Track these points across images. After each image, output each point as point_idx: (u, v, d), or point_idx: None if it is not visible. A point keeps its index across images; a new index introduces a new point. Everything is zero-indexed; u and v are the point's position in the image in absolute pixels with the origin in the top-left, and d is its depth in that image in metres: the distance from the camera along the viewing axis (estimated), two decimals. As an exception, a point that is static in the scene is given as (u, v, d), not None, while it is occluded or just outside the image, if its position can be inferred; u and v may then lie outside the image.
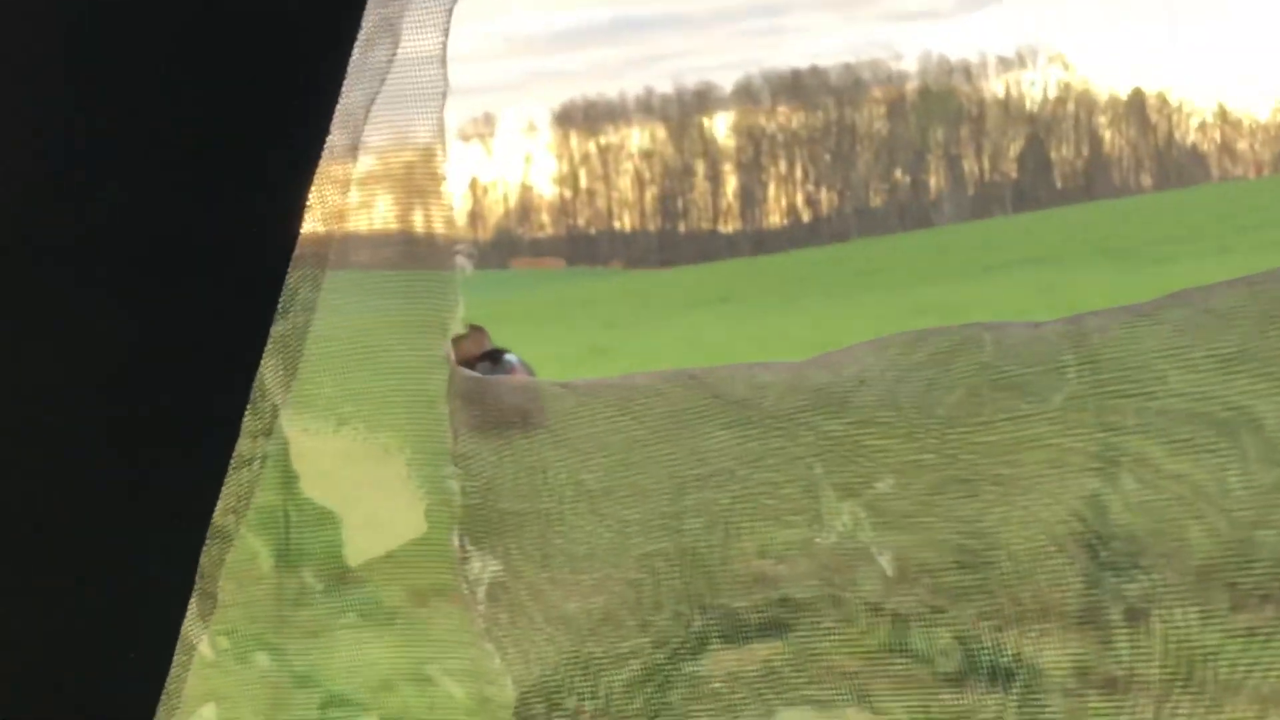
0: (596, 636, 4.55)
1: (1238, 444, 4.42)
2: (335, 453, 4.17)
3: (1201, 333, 4.63)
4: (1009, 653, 4.50)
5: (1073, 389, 4.69)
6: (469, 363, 4.93)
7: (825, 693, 4.44)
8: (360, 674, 4.79)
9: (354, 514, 4.55)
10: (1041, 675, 4.46)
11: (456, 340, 3.69)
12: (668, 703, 4.48)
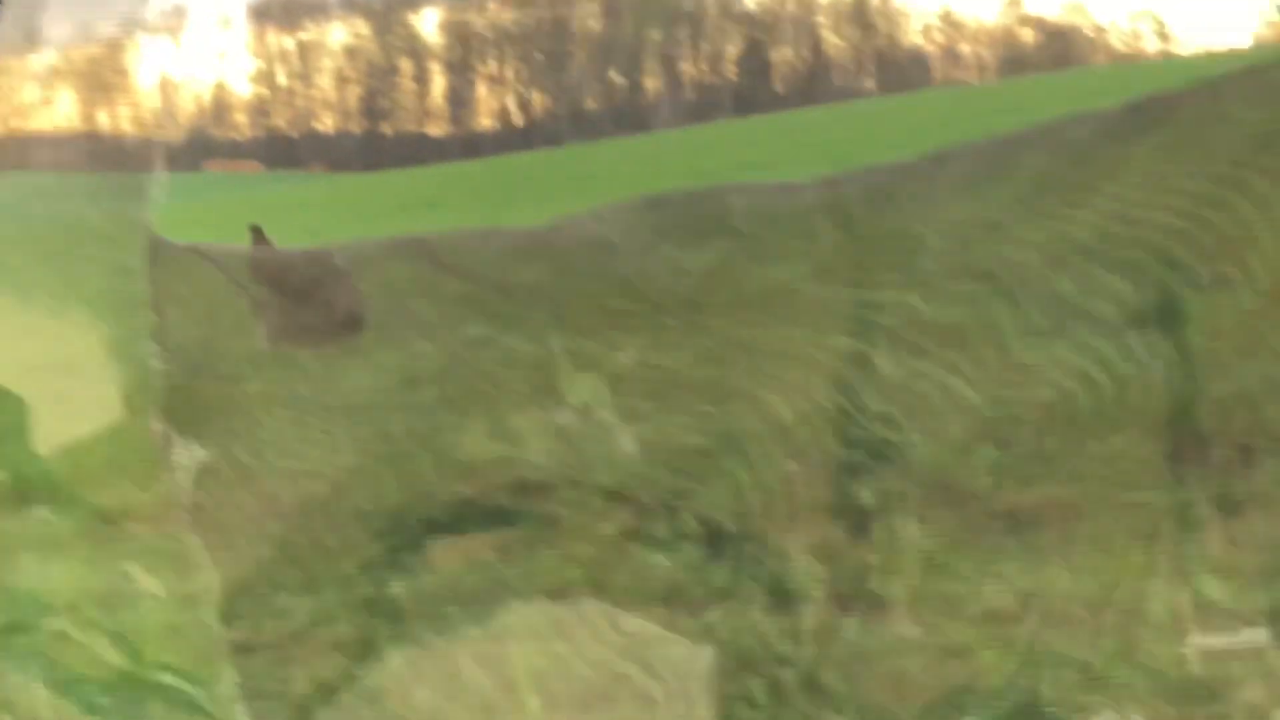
0: (312, 526, 4.59)
1: (997, 315, 4.62)
2: (17, 330, 4.08)
3: (963, 194, 4.80)
4: (757, 536, 4.65)
5: (828, 251, 4.86)
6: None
7: (560, 582, 4.54)
8: (52, 573, 4.75)
9: (41, 397, 4.47)
10: (789, 559, 4.62)
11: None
12: (390, 595, 4.54)
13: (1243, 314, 3.55)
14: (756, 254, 3.68)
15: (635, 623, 3.74)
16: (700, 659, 3.78)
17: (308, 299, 3.87)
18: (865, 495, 3.71)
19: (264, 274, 3.94)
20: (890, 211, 4.30)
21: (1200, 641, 3.46)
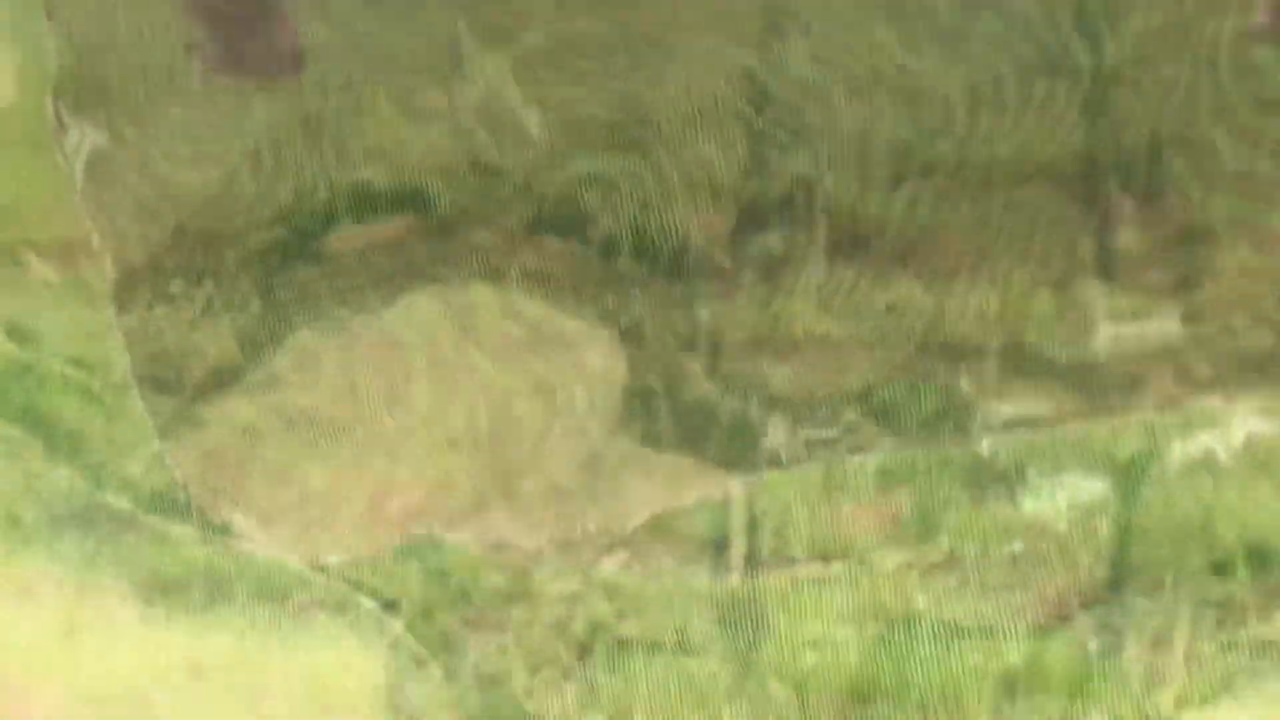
0: (209, 211, 4.45)
1: (908, 20, 4.42)
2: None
3: None
4: (664, 225, 4.52)
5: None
6: None
7: (461, 271, 4.41)
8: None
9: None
10: (698, 249, 4.49)
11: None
12: (287, 282, 4.42)
13: (1161, 28, 3.45)
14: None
15: (535, 312, 3.66)
16: (602, 349, 3.72)
17: (246, 35, 3.69)
18: (768, 189, 3.63)
19: (199, 7, 3.74)
20: None
21: (1110, 332, 3.42)
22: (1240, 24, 3.68)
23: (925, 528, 3.93)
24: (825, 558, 3.86)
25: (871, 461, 3.80)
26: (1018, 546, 3.82)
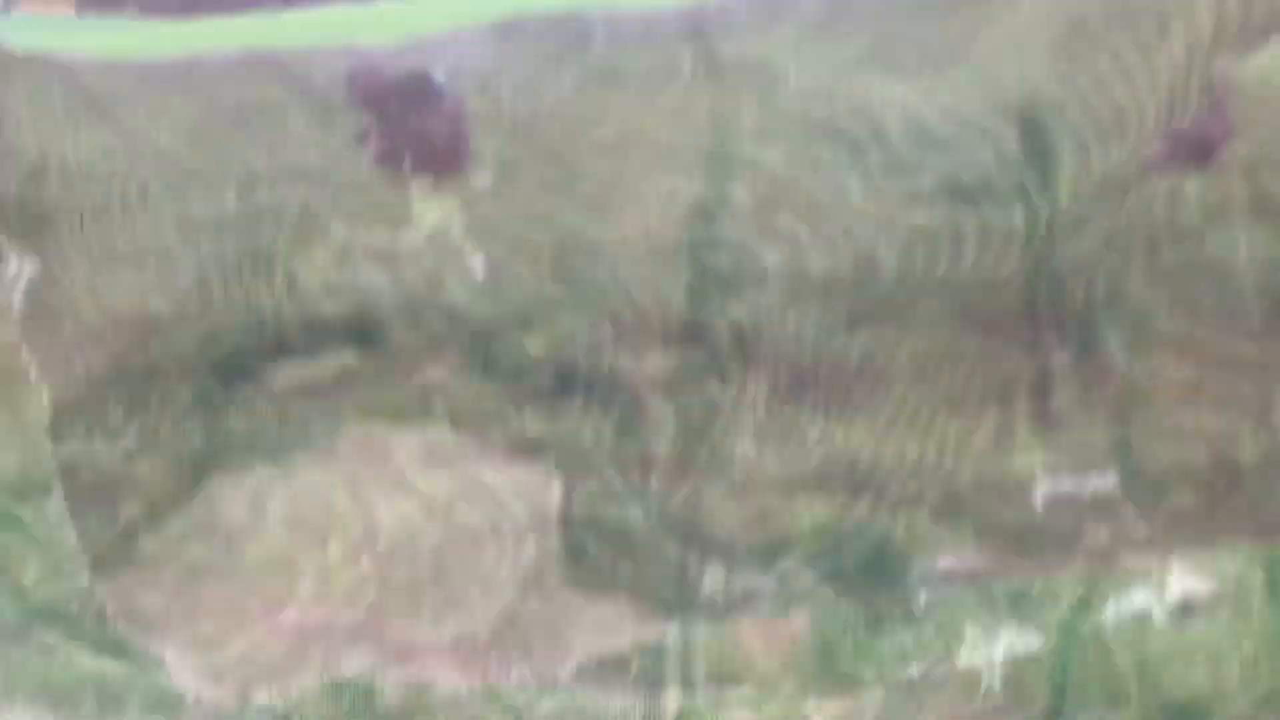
0: (150, 345, 4.43)
1: (860, 152, 4.55)
2: None
3: (831, 29, 4.72)
4: (607, 366, 4.58)
5: (688, 84, 4.78)
6: (381, 90, 4.55)
7: (402, 409, 4.44)
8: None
9: None
10: (640, 390, 4.56)
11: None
12: (224, 418, 4.37)
13: (1095, 178, 3.51)
14: (616, 82, 3.57)
15: (477, 449, 3.65)
16: (543, 486, 3.71)
17: (407, 122, 3.71)
18: (717, 332, 3.64)
19: (362, 92, 3.75)
20: (751, 43, 4.20)
21: (1047, 487, 3.45)
22: (1142, 158, 3.76)
23: (824, 654, 3.92)
24: (734, 682, 3.85)
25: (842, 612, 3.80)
26: (914, 671, 3.82)
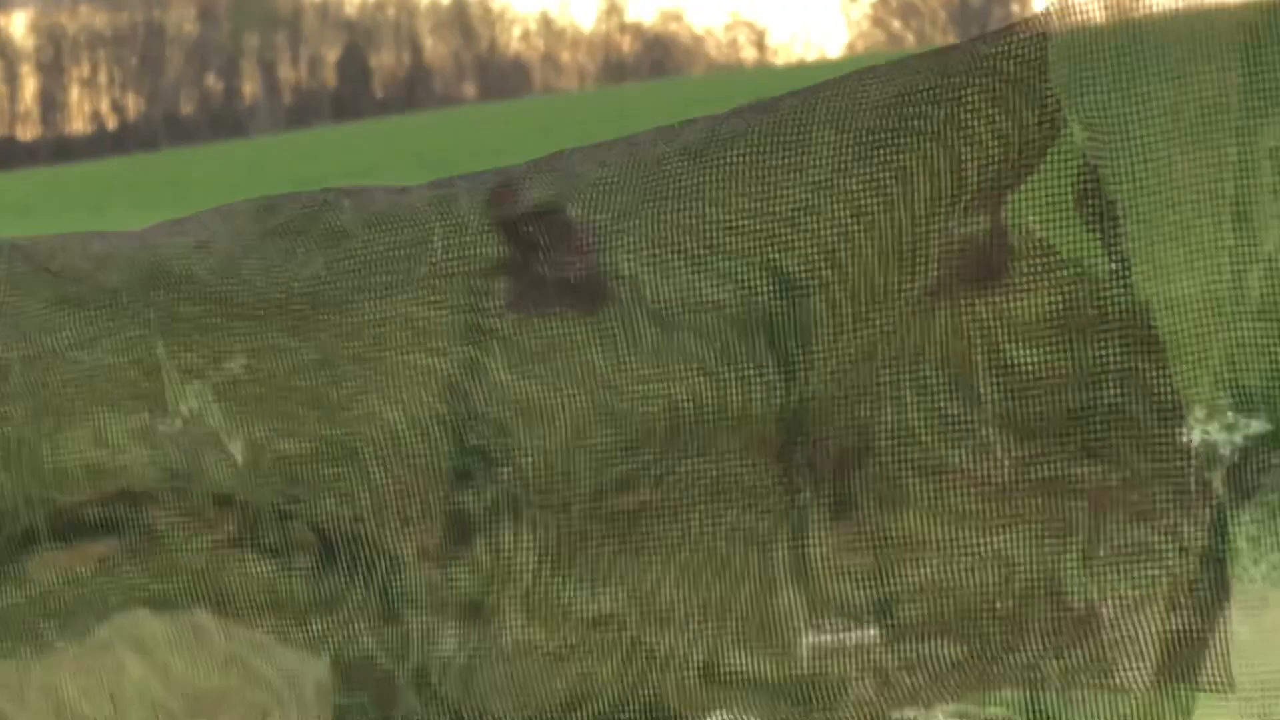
0: None
1: (606, 317, 4.55)
2: None
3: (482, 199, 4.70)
4: (368, 544, 4.53)
5: (439, 260, 4.77)
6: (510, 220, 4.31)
7: (169, 591, 4.35)
8: None
9: None
10: (401, 567, 4.51)
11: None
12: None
13: (838, 319, 3.59)
14: (367, 260, 3.61)
15: (244, 633, 3.62)
16: (313, 669, 3.69)
17: (545, 259, 3.62)
18: (475, 502, 3.66)
19: (504, 222, 3.62)
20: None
21: (812, 641, 3.50)
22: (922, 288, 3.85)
23: None
24: None
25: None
26: None
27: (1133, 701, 3.61)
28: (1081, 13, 3.64)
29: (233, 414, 3.91)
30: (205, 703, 3.77)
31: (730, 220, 3.77)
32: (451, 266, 3.99)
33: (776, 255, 3.86)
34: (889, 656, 3.75)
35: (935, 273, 3.68)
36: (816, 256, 3.71)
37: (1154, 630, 3.62)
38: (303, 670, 3.86)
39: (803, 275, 3.78)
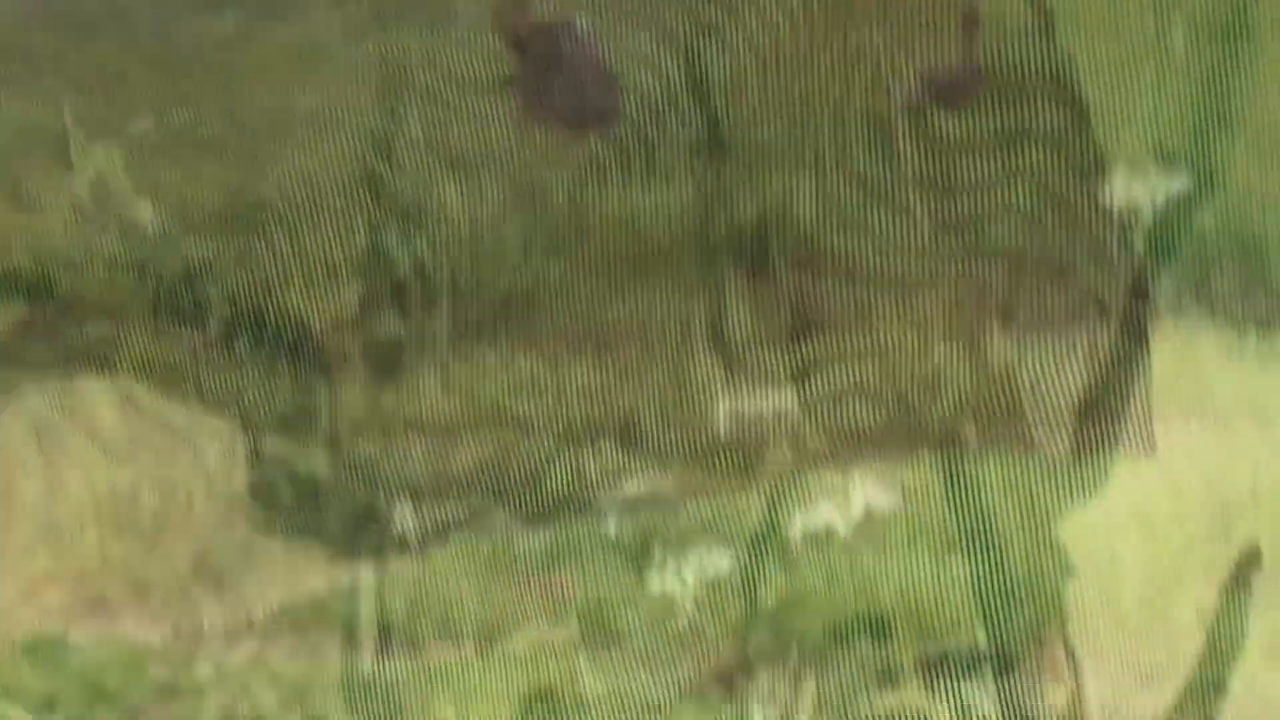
0: None
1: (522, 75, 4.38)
2: None
3: None
4: (289, 309, 4.43)
5: (352, 11, 4.62)
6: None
7: (74, 365, 4.26)
8: None
9: None
10: (316, 335, 4.41)
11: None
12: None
13: (765, 77, 3.52)
14: (279, 13, 3.50)
15: (155, 400, 3.57)
16: (234, 436, 3.64)
17: (556, 72, 3.49)
18: (398, 266, 3.60)
19: (509, 31, 3.48)
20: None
21: (729, 407, 3.46)
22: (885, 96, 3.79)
23: (589, 606, 3.91)
24: (489, 638, 3.81)
25: (536, 542, 3.78)
26: (681, 623, 3.83)
27: (1050, 464, 3.60)
28: None
29: (140, 174, 3.82)
30: (129, 460, 3.73)
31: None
32: (365, 19, 3.90)
33: (710, 11, 3.79)
34: (806, 421, 3.72)
35: (858, 32, 3.61)
36: (747, 13, 3.64)
37: (1073, 392, 3.60)
38: (211, 440, 3.81)
39: (733, 34, 3.71)
